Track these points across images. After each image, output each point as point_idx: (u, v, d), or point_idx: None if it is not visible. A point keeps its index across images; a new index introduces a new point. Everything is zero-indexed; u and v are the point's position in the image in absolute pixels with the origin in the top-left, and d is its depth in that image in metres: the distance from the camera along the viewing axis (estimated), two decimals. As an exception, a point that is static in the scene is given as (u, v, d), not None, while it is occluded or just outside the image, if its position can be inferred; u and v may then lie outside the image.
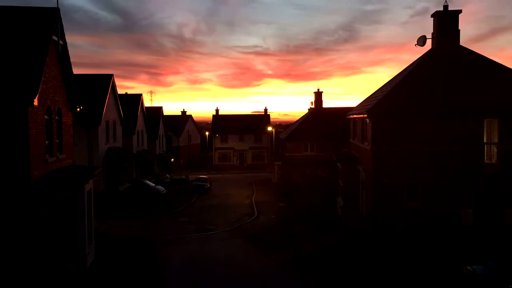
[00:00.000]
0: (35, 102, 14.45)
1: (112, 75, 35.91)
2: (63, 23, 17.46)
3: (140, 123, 45.12)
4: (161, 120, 55.85)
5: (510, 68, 21.42)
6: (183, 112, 77.32)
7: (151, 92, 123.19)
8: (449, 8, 22.39)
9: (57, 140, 17.37)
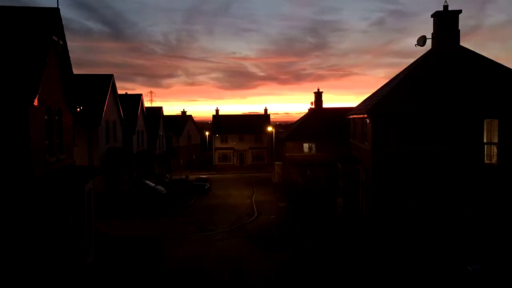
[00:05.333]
0: (35, 102, 14.46)
1: (112, 75, 35.91)
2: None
3: (140, 123, 45.12)
4: (161, 120, 55.87)
5: (510, 68, 21.43)
6: (183, 112, 77.33)
7: (151, 92, 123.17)
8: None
9: (57, 140, 17.37)
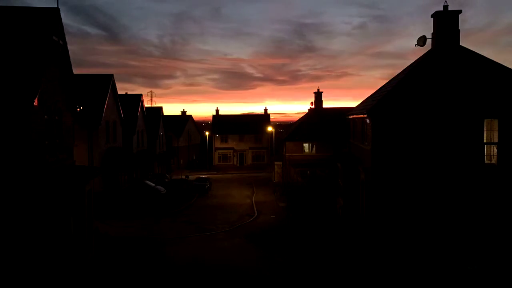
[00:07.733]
0: (35, 102, 14.47)
1: (112, 75, 35.92)
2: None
3: (140, 123, 45.13)
4: (161, 120, 55.87)
5: (510, 68, 21.42)
6: (183, 113, 77.35)
7: (151, 93, 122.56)
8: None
9: (57, 140, 17.37)
